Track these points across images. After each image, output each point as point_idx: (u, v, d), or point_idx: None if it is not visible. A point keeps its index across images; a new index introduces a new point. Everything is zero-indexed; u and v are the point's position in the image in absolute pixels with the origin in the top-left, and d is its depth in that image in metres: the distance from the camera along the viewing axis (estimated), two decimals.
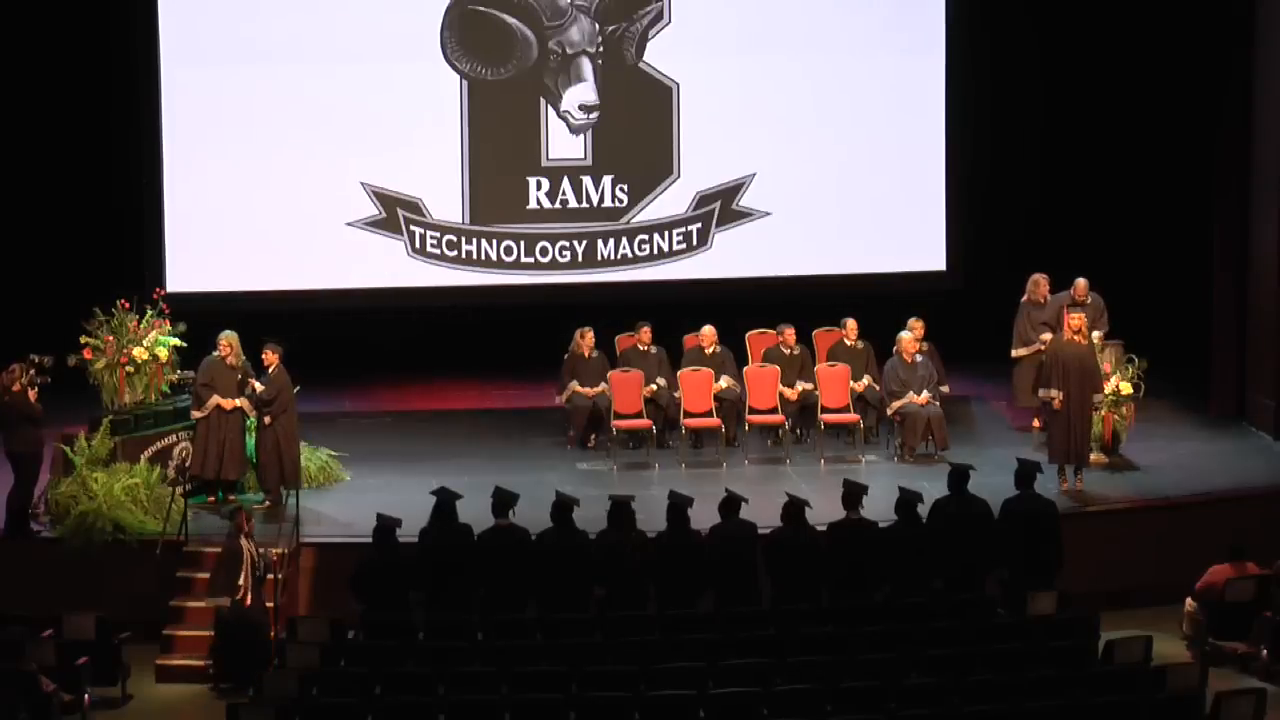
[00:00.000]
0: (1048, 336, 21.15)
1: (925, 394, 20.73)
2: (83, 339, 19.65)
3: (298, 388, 19.58)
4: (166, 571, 17.92)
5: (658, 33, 23.54)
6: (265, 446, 19.05)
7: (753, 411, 21.15)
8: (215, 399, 19.01)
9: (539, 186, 23.57)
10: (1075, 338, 19.62)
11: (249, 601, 16.88)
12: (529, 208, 23.59)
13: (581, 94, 23.46)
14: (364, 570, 16.76)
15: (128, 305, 19.90)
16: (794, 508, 17.10)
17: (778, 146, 23.73)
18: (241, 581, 16.81)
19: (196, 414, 19.11)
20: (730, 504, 17.13)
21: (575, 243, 23.63)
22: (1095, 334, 20.86)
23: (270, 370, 19.12)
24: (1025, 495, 17.54)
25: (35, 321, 21.18)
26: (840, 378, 21.20)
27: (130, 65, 23.05)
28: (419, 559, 16.87)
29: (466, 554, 16.92)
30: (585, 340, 21.47)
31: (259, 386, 19.00)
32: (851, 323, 21.70)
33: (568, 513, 17.04)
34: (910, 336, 21.03)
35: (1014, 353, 21.73)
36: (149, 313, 19.92)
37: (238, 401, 19.06)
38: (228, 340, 19.26)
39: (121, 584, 17.89)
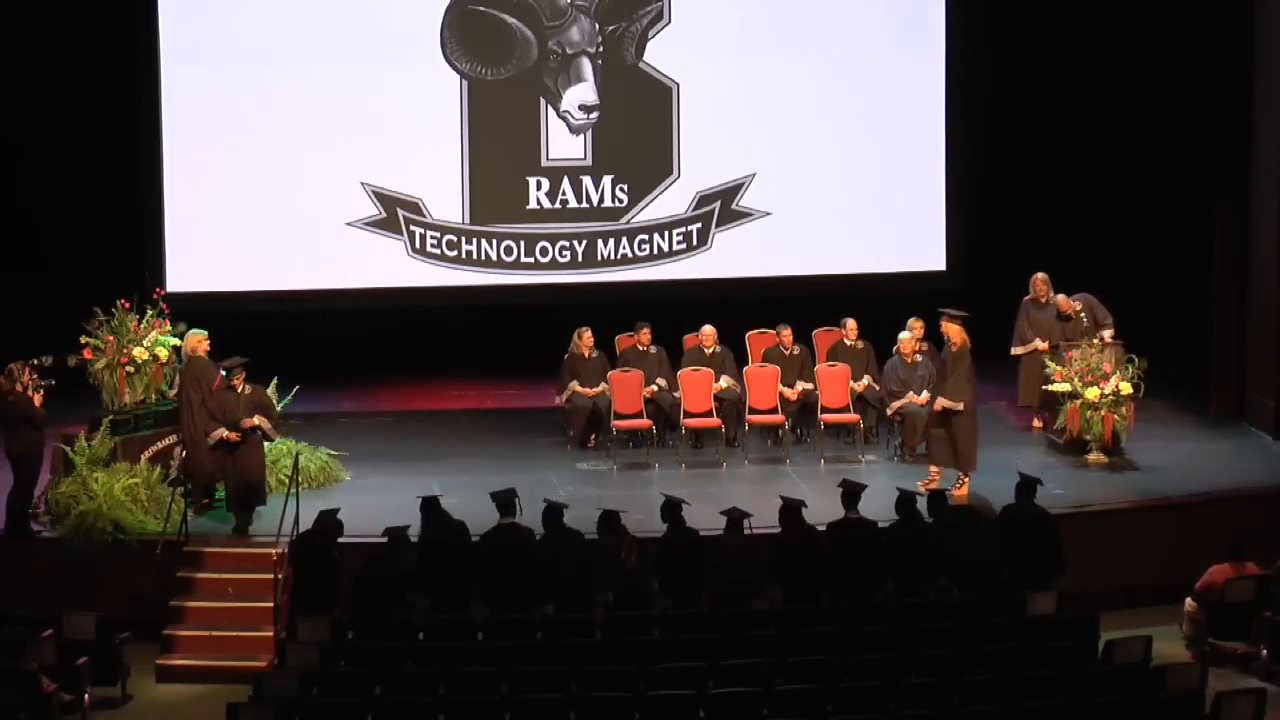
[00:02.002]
0: (1041, 343, 21.22)
1: (925, 394, 20.72)
2: (83, 339, 19.65)
3: (294, 390, 19.59)
4: (166, 571, 17.93)
5: (658, 33, 23.54)
6: (256, 465, 18.71)
7: (753, 411, 21.15)
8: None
9: (539, 186, 23.57)
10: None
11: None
12: (529, 208, 23.59)
13: (581, 94, 23.46)
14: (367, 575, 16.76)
15: (128, 305, 19.90)
16: (790, 510, 17.11)
17: (778, 146, 23.74)
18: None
19: (216, 436, 18.87)
20: (671, 508, 17.11)
21: (575, 243, 23.63)
22: (1106, 333, 20.92)
23: (245, 391, 18.65)
24: (1024, 504, 17.50)
25: (35, 321, 21.18)
26: (840, 378, 21.20)
27: (130, 65, 23.05)
28: (419, 563, 16.86)
29: (465, 552, 16.92)
30: (584, 340, 21.46)
31: (264, 424, 18.59)
32: (851, 323, 21.70)
33: (559, 516, 17.03)
34: (910, 337, 21.03)
35: (1013, 351, 21.77)
36: (149, 313, 19.92)
37: (225, 433, 18.66)
38: (203, 339, 19.17)
39: (121, 584, 17.88)
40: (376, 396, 23.60)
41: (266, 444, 19.01)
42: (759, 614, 16.34)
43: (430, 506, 17.30)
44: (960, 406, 19.46)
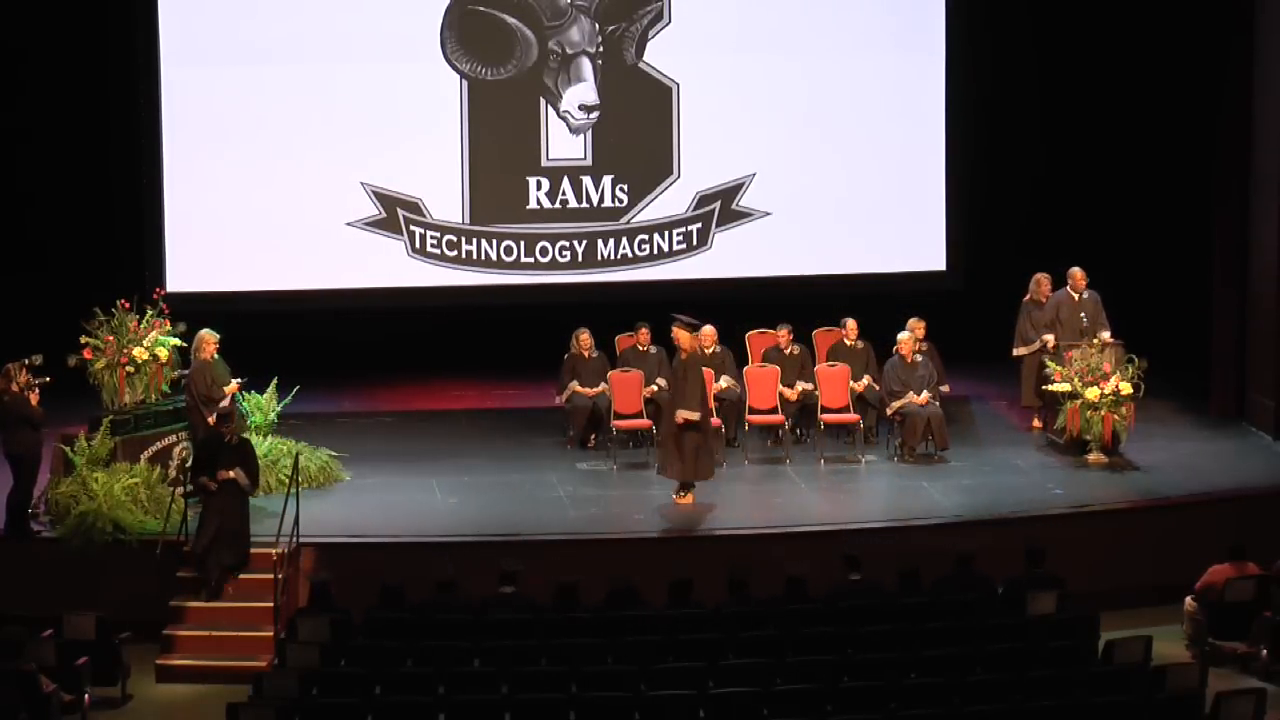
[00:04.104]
0: (1049, 337, 21.21)
1: (925, 394, 20.73)
2: (83, 339, 19.63)
3: (294, 390, 19.49)
4: (166, 571, 17.90)
5: (658, 33, 23.54)
6: (239, 521, 17.93)
7: (753, 411, 21.15)
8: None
9: (539, 186, 23.57)
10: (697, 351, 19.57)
11: None
12: (529, 208, 23.58)
13: (581, 94, 23.46)
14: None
15: (128, 305, 19.89)
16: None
17: (778, 146, 23.72)
18: None
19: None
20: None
21: (575, 243, 23.62)
22: (1105, 334, 20.89)
23: (233, 442, 18.06)
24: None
25: (35, 321, 21.18)
26: (840, 378, 21.20)
27: (130, 65, 23.03)
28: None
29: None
30: (582, 342, 21.45)
31: (240, 476, 17.88)
32: (851, 323, 21.69)
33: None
34: (910, 336, 21.03)
35: (1015, 352, 21.78)
36: (149, 313, 19.90)
37: (205, 481, 18.00)
38: (210, 340, 19.07)
39: (121, 584, 17.87)
40: (376, 396, 23.60)
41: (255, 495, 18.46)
42: (759, 614, 16.32)
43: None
44: (698, 417, 19.18)
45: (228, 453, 18.07)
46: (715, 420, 20.89)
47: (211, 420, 18.63)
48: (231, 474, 17.87)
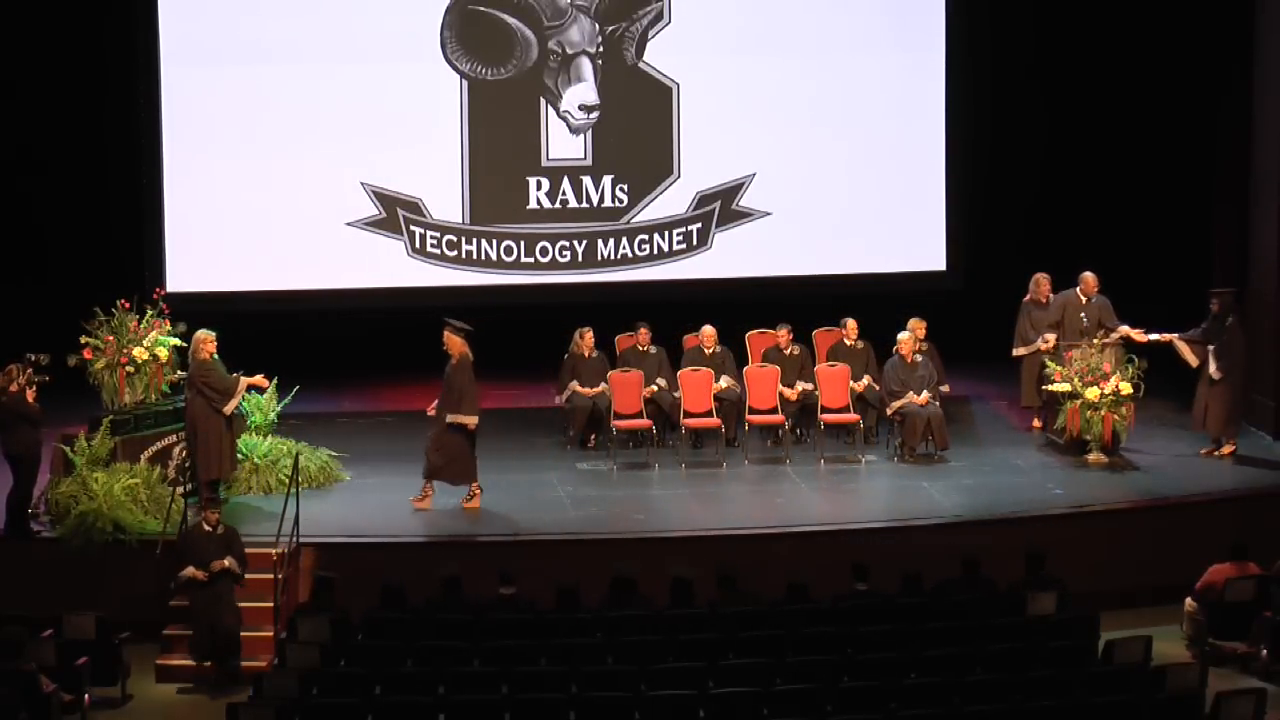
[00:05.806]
0: (1050, 337, 21.21)
1: (925, 394, 20.72)
2: (83, 339, 19.64)
3: (294, 390, 19.44)
4: (166, 571, 17.88)
5: (658, 33, 23.55)
6: (231, 614, 17.23)
7: (753, 411, 21.14)
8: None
9: (539, 186, 23.57)
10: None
11: None
12: (529, 208, 23.59)
13: (581, 94, 23.46)
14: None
15: (128, 305, 19.89)
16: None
17: (778, 146, 23.73)
18: None
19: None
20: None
21: (575, 243, 23.63)
22: (1124, 328, 20.84)
23: (220, 531, 17.44)
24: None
25: (35, 321, 21.18)
26: (840, 378, 21.19)
27: (130, 65, 23.05)
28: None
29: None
30: (585, 340, 21.46)
31: (232, 565, 17.23)
32: (851, 323, 21.69)
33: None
34: (910, 337, 21.03)
35: (1015, 352, 21.77)
36: (149, 313, 19.91)
37: (194, 573, 17.30)
38: (209, 340, 19.01)
39: (121, 584, 17.86)
40: (376, 396, 23.59)
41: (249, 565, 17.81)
42: (759, 614, 16.32)
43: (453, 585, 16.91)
44: (474, 421, 19.16)
45: (215, 544, 17.41)
46: (716, 420, 20.95)
47: (226, 411, 18.70)
48: (226, 563, 17.26)
